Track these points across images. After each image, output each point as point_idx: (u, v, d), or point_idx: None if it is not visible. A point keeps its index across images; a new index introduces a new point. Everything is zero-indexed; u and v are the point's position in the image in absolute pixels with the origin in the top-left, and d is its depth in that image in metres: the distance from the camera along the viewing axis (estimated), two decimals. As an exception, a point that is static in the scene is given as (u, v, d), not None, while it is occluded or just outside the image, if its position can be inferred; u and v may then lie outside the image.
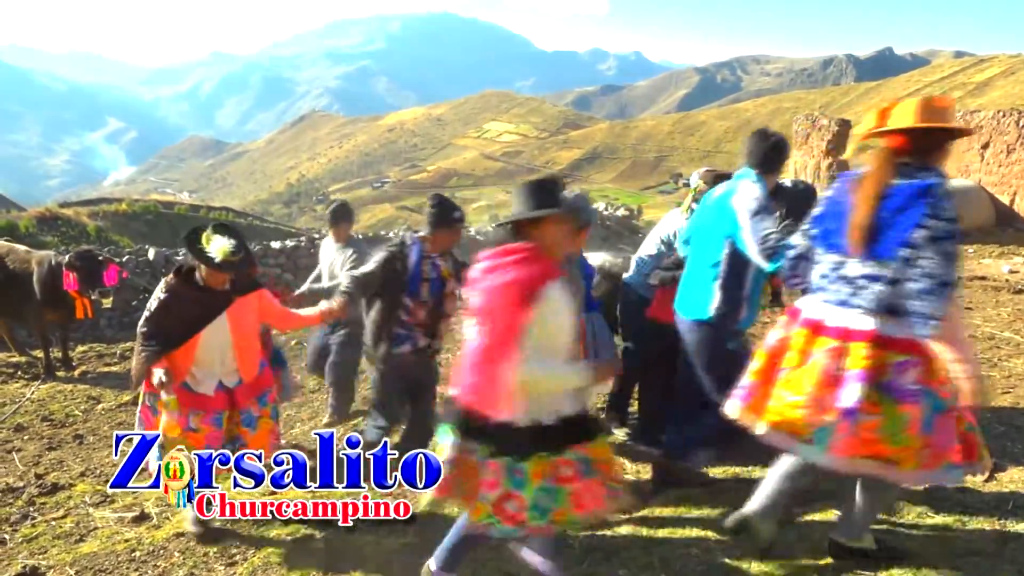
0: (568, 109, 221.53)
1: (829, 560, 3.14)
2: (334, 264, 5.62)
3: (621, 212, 16.01)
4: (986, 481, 3.85)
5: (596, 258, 5.28)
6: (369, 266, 4.23)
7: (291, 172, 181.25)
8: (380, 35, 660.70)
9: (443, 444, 2.73)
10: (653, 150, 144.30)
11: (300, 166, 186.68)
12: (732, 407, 3.09)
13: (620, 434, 5.03)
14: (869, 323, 2.74)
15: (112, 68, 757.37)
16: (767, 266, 3.38)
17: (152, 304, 3.68)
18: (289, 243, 12.46)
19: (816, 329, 2.88)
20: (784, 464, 3.11)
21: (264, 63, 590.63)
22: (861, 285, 2.77)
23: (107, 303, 7.23)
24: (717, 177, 4.67)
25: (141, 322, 3.70)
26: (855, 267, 2.79)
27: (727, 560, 3.26)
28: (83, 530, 4.06)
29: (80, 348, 8.61)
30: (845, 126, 16.43)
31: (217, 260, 3.55)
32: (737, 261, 3.61)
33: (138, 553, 3.70)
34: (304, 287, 5.60)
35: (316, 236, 13.39)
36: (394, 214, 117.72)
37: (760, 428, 2.99)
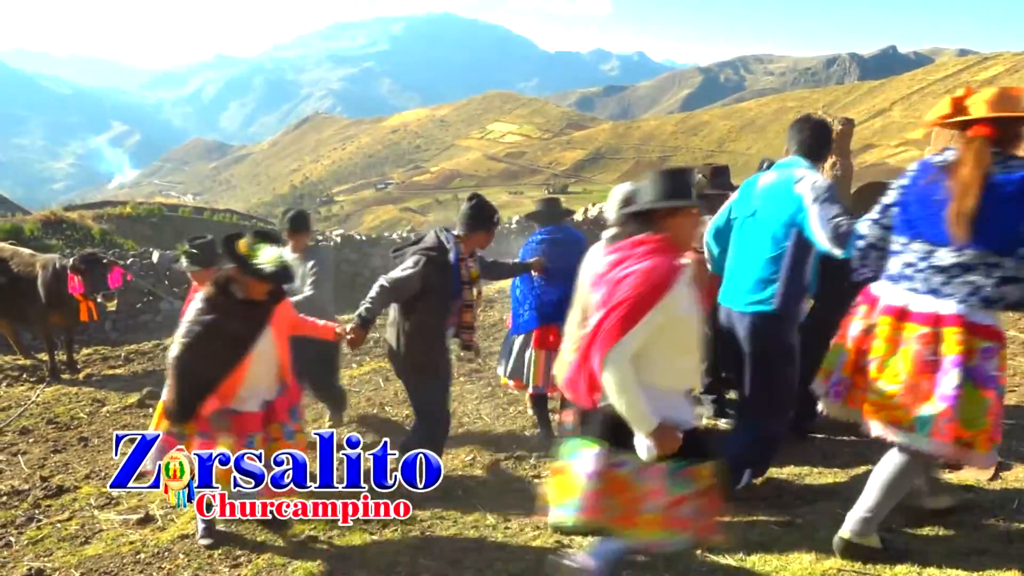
0: (571, 110, 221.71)
1: (832, 559, 3.13)
2: (298, 275, 5.20)
3: (624, 212, 15.96)
4: (991, 480, 3.84)
5: None
6: (405, 271, 3.95)
7: (295, 174, 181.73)
8: (383, 37, 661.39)
9: (582, 459, 2.55)
10: (656, 150, 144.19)
11: (303, 168, 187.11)
12: (828, 404, 3.11)
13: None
14: (960, 309, 2.75)
15: (116, 71, 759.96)
16: (839, 252, 3.31)
17: (193, 327, 3.28)
18: (293, 245, 12.44)
19: (901, 316, 2.88)
20: (885, 471, 3.05)
21: (267, 65, 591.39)
22: (954, 274, 2.78)
23: (111, 306, 7.25)
24: (715, 171, 4.68)
25: (179, 349, 3.29)
26: (947, 256, 2.79)
27: (731, 561, 3.25)
28: (88, 532, 4.07)
29: (85, 351, 8.63)
30: (849, 124, 16.36)
31: (268, 271, 3.28)
32: (801, 249, 3.52)
33: (143, 555, 3.70)
34: None
35: (320, 238, 13.40)
36: (397, 215, 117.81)
37: (860, 421, 3.01)
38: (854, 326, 3.06)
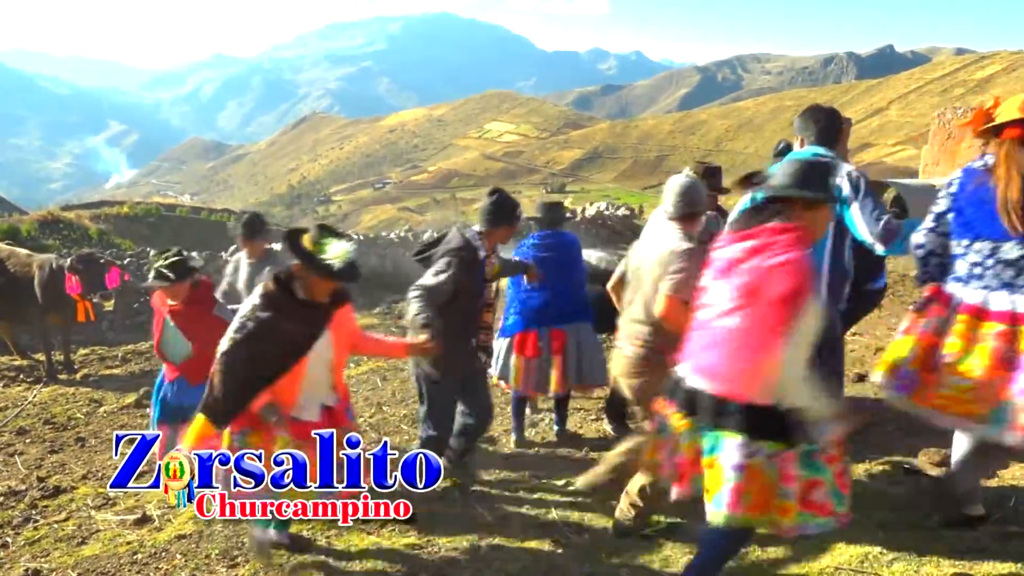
0: (569, 109, 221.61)
1: (829, 558, 3.15)
2: (255, 282, 4.86)
3: (622, 212, 16.00)
4: (988, 478, 3.84)
5: (590, 256, 5.28)
6: (439, 276, 3.81)
7: (292, 174, 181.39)
8: (381, 36, 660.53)
9: (726, 452, 2.54)
10: (654, 149, 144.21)
11: (301, 168, 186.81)
12: (894, 398, 3.14)
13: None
14: None
15: (114, 71, 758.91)
16: (882, 249, 3.35)
17: (247, 323, 3.08)
18: (290, 245, 12.46)
19: (979, 314, 2.96)
20: (962, 454, 3.20)
21: (265, 65, 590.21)
22: (1023, 266, 2.88)
23: (109, 306, 7.25)
24: (707, 171, 4.71)
25: (228, 345, 3.09)
26: (1012, 249, 2.89)
27: (729, 560, 3.25)
28: (85, 533, 4.06)
29: (82, 351, 8.62)
30: (847, 124, 16.40)
31: (338, 267, 3.05)
32: (840, 238, 3.53)
33: (140, 555, 3.70)
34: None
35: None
36: (395, 215, 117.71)
37: (928, 414, 3.06)
38: (925, 324, 3.11)
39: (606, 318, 5.00)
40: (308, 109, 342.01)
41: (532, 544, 3.57)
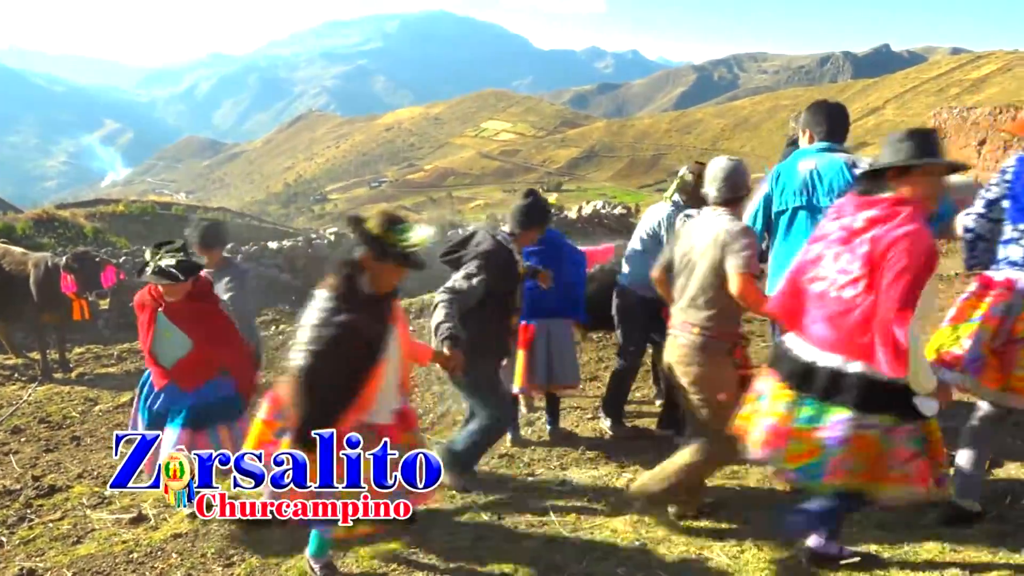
0: (565, 108, 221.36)
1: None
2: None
3: (619, 211, 15.97)
4: (984, 476, 3.85)
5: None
6: (470, 280, 3.71)
7: (288, 172, 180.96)
8: (377, 34, 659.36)
9: (829, 426, 2.56)
10: (650, 148, 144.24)
11: (297, 166, 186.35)
12: (966, 382, 3.16)
13: (609, 430, 5.05)
14: None
15: (109, 69, 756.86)
16: None
17: (323, 332, 2.80)
18: (286, 243, 12.48)
19: None
20: (971, 432, 3.26)
21: (261, 63, 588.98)
22: None
23: (104, 304, 7.22)
24: (704, 169, 4.69)
25: (308, 360, 2.81)
26: None
27: (725, 559, 3.25)
28: (80, 532, 4.05)
29: (77, 350, 8.59)
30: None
31: (419, 257, 2.87)
32: None
33: (136, 554, 3.69)
34: None
35: (313, 236, 13.37)
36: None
37: (1001, 397, 3.11)
38: (995, 308, 3.12)
39: (604, 317, 5.01)
40: (304, 107, 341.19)
41: (529, 543, 3.56)
